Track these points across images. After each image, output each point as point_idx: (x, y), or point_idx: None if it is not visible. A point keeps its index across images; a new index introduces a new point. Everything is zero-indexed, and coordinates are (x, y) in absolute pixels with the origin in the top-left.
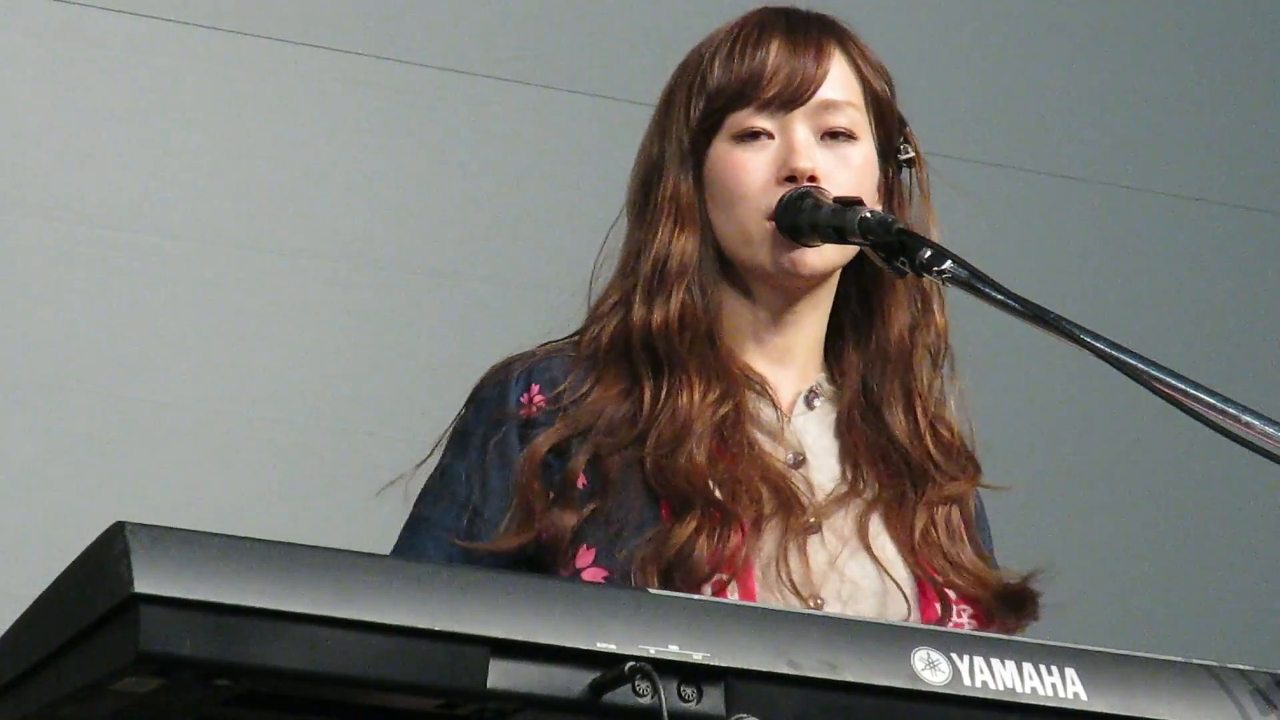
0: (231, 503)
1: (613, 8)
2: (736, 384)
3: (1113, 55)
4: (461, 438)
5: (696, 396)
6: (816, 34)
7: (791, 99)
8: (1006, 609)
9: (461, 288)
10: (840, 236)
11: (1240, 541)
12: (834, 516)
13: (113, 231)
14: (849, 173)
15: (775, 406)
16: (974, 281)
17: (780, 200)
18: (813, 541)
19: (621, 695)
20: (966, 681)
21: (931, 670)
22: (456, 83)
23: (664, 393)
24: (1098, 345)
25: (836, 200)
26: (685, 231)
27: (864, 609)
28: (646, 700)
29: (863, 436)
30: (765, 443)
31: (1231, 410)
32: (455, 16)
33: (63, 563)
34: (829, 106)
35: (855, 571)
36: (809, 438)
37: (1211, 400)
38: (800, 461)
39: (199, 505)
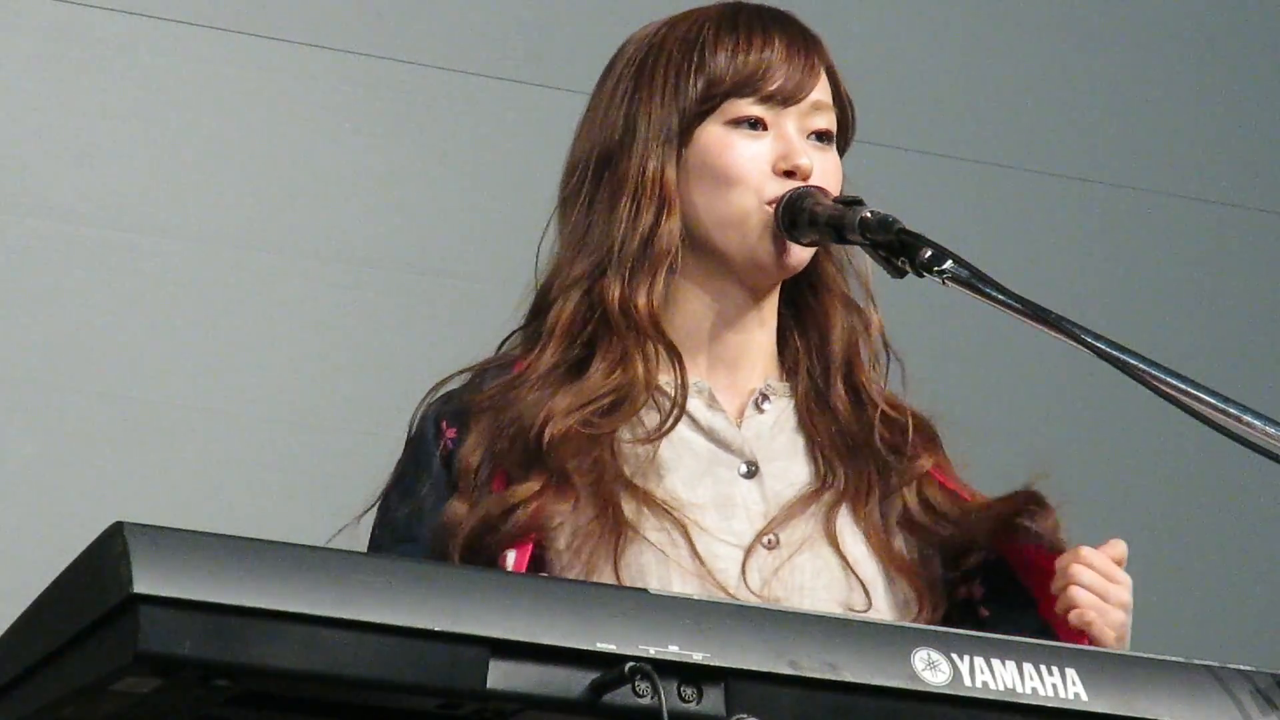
0: (231, 503)
1: (613, 8)
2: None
3: (1113, 55)
4: (400, 479)
5: (647, 370)
6: (809, 40)
7: (790, 96)
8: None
9: (461, 288)
10: (839, 235)
11: (1241, 541)
12: (794, 529)
13: (113, 231)
14: (834, 174)
15: (723, 412)
16: (975, 281)
17: (785, 197)
18: (751, 564)
19: (621, 696)
20: (967, 682)
21: (932, 670)
22: (456, 83)
23: (617, 364)
24: (1099, 345)
25: (837, 201)
26: (672, 215)
27: None
28: (646, 700)
29: (823, 426)
30: (717, 453)
31: (1232, 410)
32: (455, 16)
33: (62, 563)
34: (818, 107)
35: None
36: (763, 442)
37: (1212, 400)
38: (753, 472)
39: (198, 505)
